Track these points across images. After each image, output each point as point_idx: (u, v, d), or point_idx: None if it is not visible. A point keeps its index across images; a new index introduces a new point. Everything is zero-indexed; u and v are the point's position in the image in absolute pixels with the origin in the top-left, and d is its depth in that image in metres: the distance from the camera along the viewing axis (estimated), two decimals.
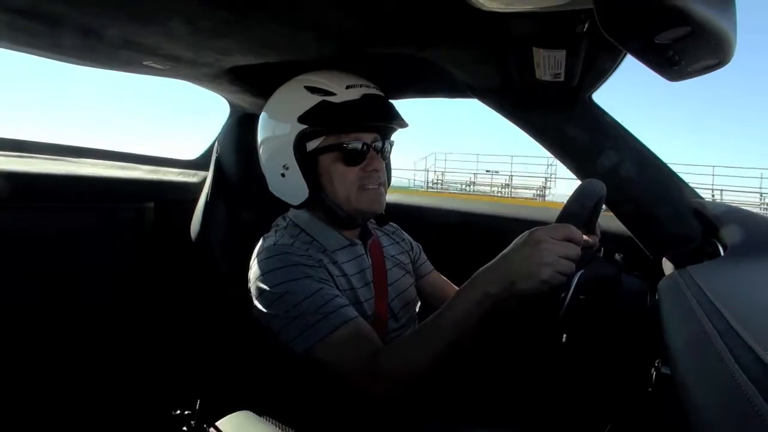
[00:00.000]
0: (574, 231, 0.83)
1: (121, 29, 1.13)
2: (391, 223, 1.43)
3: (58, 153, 1.75)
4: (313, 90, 1.15)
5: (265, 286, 1.06)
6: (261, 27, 1.10)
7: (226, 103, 1.85)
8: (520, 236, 0.87)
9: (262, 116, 1.25)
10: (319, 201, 1.18)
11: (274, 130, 1.19)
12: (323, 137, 1.15)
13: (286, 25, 1.08)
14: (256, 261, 1.12)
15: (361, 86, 1.16)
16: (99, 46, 1.24)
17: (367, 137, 1.16)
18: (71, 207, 1.51)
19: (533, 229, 0.84)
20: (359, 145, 1.14)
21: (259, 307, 1.07)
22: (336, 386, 1.01)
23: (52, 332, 1.44)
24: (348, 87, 1.14)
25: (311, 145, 1.15)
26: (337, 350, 0.98)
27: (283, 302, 1.03)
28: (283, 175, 1.18)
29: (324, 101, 1.13)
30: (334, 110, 1.12)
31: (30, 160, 1.59)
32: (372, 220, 1.35)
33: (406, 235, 1.49)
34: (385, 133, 1.23)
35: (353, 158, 1.15)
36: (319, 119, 1.13)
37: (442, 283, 1.47)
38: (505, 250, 0.87)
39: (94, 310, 1.56)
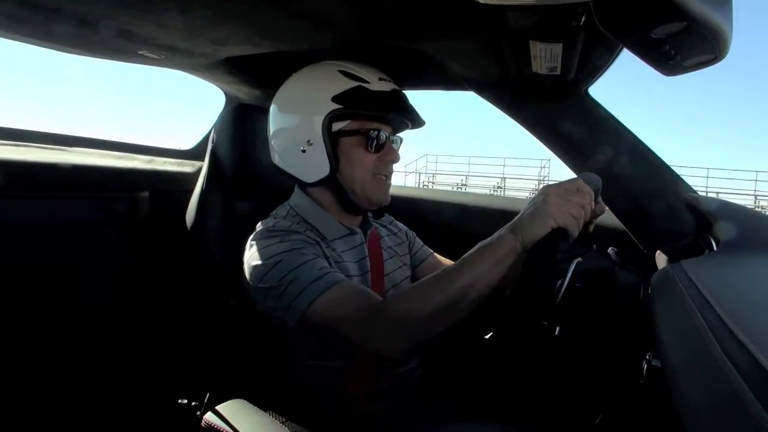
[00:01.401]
0: (581, 183, 0.91)
1: (115, 18, 1.12)
2: (385, 214, 1.44)
3: (52, 142, 1.74)
4: (348, 75, 1.18)
5: (259, 259, 1.07)
6: (257, 17, 1.10)
7: (222, 93, 1.84)
8: None
9: (285, 94, 1.25)
10: (333, 181, 1.19)
11: (302, 107, 1.20)
12: (349, 121, 1.17)
13: (282, 16, 1.08)
14: (251, 241, 1.13)
15: (389, 81, 1.21)
16: (94, 35, 1.23)
17: (387, 129, 1.20)
18: (65, 197, 1.51)
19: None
20: (380, 135, 1.18)
21: (254, 284, 1.07)
22: (344, 343, 1.04)
23: (47, 323, 1.44)
24: (380, 79, 1.19)
25: (336, 126, 1.17)
26: (337, 304, 0.99)
27: (278, 270, 1.03)
28: (304, 150, 1.19)
29: (361, 86, 1.16)
30: (369, 97, 1.16)
31: (24, 149, 1.58)
32: (369, 213, 1.36)
33: (400, 224, 1.50)
34: (398, 129, 1.28)
35: (375, 145, 1.18)
36: (354, 102, 1.15)
37: (442, 264, 1.46)
38: None
39: (89, 300, 1.55)
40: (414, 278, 1.40)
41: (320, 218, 1.21)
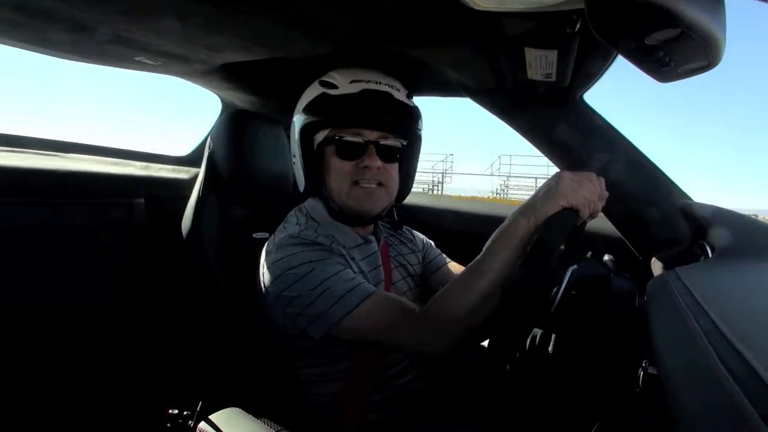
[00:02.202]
0: (592, 174, 0.94)
1: (112, 25, 1.12)
2: (405, 227, 1.43)
3: (47, 148, 1.73)
4: (322, 83, 1.18)
5: (288, 267, 1.06)
6: (252, 24, 1.10)
7: (218, 99, 1.84)
8: None
9: None
10: (319, 193, 1.20)
11: (294, 122, 1.22)
12: (329, 129, 1.16)
13: (278, 23, 1.08)
14: (276, 246, 1.12)
15: (368, 82, 1.15)
16: (90, 41, 1.23)
17: (370, 134, 1.15)
18: (61, 203, 1.50)
19: None
20: (357, 140, 1.14)
21: (276, 291, 1.06)
22: (382, 350, 1.08)
23: (42, 329, 1.43)
24: (352, 81, 1.15)
25: (318, 137, 1.17)
26: (373, 315, 1.00)
27: (309, 279, 1.02)
28: (294, 163, 1.23)
29: (324, 93, 1.15)
30: (330, 102, 1.14)
31: (19, 155, 1.57)
32: (385, 223, 1.35)
33: (417, 234, 1.47)
34: (396, 132, 1.20)
35: (347, 152, 1.15)
36: (316, 110, 1.15)
37: (455, 271, 1.43)
38: None
39: (85, 305, 1.55)
40: (430, 286, 1.38)
41: (335, 226, 1.20)
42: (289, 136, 1.27)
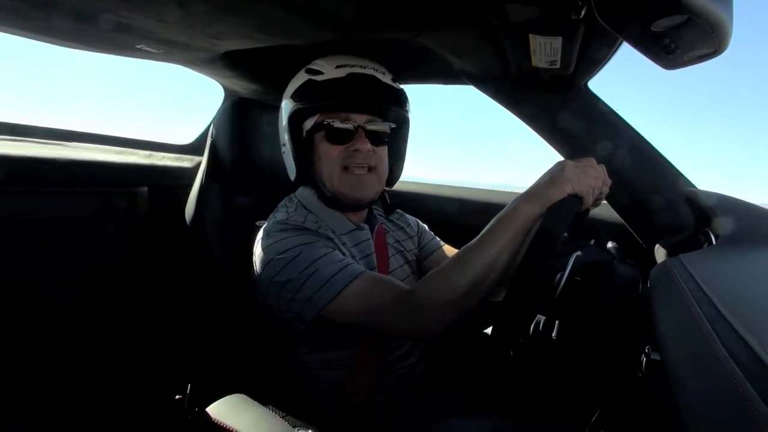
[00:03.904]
0: (594, 161, 0.95)
1: (114, 12, 1.12)
2: (397, 210, 1.44)
3: (51, 137, 1.74)
4: (308, 70, 1.19)
5: (276, 252, 1.06)
6: (255, 11, 1.09)
7: (221, 87, 1.84)
8: None
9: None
10: (310, 180, 1.21)
11: (281, 109, 1.23)
12: (317, 116, 1.16)
13: (281, 10, 1.08)
14: (264, 233, 1.13)
15: (353, 66, 1.16)
16: (92, 29, 1.23)
17: (359, 118, 1.16)
18: (64, 192, 1.50)
19: None
20: (346, 125, 1.15)
21: (268, 277, 1.07)
22: (371, 331, 1.09)
23: (43, 319, 1.44)
24: (338, 66, 1.16)
25: (307, 124, 1.18)
26: (363, 295, 1.00)
27: (297, 263, 1.03)
28: (284, 152, 1.24)
29: (310, 79, 1.16)
30: (317, 87, 1.15)
31: (23, 144, 1.57)
32: (378, 208, 1.35)
33: (410, 218, 1.48)
34: (384, 114, 1.20)
35: (337, 137, 1.16)
36: (304, 96, 1.16)
37: (451, 255, 1.43)
38: None
39: (87, 295, 1.55)
40: (424, 270, 1.39)
41: (327, 212, 1.21)
42: None
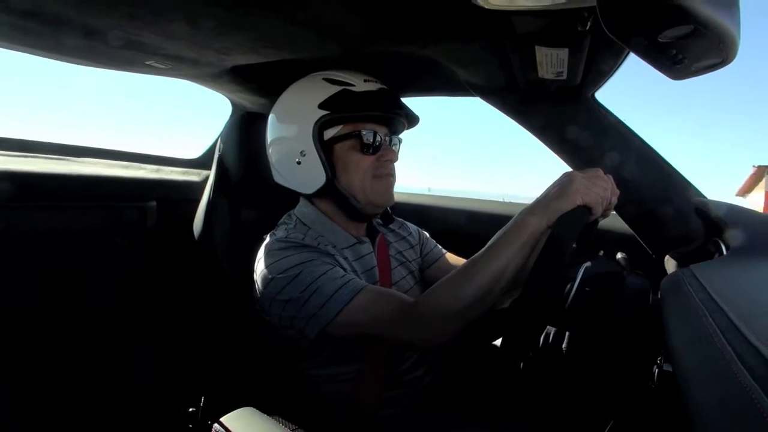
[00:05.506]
0: (602, 172, 0.95)
1: (123, 30, 1.13)
2: (395, 218, 1.43)
3: (60, 153, 1.75)
4: (332, 81, 1.19)
5: (277, 272, 1.06)
6: (261, 26, 1.10)
7: (228, 101, 1.85)
8: None
9: (276, 108, 1.27)
10: (332, 189, 1.19)
11: (292, 118, 1.21)
12: (341, 126, 1.17)
13: (288, 24, 1.08)
14: (264, 252, 1.13)
15: (376, 81, 1.21)
16: (101, 46, 1.24)
17: (382, 130, 1.20)
18: (74, 207, 1.51)
19: None
20: (375, 136, 1.18)
21: (270, 296, 1.07)
22: (377, 343, 1.09)
23: (55, 332, 1.44)
24: (366, 80, 1.20)
25: (328, 133, 1.18)
26: (366, 309, 1.00)
27: (298, 282, 1.03)
28: (299, 162, 1.20)
29: (345, 89, 1.17)
30: (355, 98, 1.17)
31: (33, 159, 1.59)
32: (378, 219, 1.36)
33: (411, 226, 1.48)
34: (395, 129, 1.27)
35: (369, 147, 1.18)
36: (340, 106, 1.16)
37: (455, 264, 1.44)
38: None
39: (97, 309, 1.56)
40: (426, 279, 1.39)
41: (327, 228, 1.21)
42: None
